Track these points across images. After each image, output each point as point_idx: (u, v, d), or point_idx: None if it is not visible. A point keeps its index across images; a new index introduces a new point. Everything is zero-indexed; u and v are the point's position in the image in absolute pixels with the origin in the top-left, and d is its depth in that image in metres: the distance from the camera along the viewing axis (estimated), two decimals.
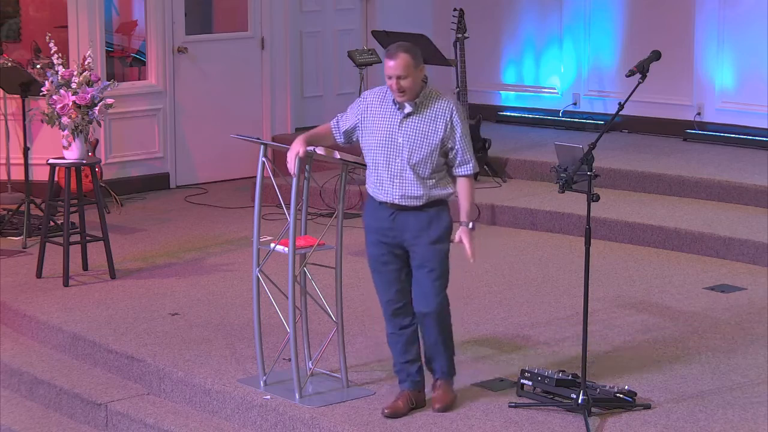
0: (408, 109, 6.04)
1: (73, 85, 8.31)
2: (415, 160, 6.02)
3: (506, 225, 9.96)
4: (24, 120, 9.83)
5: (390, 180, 6.06)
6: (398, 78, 5.95)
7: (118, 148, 11.10)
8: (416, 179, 6.03)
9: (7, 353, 7.69)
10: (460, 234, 6.09)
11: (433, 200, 6.06)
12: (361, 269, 7.33)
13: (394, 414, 6.14)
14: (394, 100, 6.05)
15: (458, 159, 6.08)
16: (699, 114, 11.48)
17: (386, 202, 6.09)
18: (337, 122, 6.25)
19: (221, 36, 11.89)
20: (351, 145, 6.36)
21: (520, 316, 7.70)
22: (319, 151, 6.23)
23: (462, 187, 6.12)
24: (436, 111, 6.03)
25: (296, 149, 6.15)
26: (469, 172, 6.11)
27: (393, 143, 6.05)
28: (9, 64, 10.24)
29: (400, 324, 6.22)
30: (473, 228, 6.12)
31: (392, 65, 5.96)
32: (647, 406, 6.19)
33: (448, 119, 6.02)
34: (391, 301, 6.20)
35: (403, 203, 6.05)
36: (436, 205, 6.08)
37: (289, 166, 6.18)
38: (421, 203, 6.05)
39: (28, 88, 9.73)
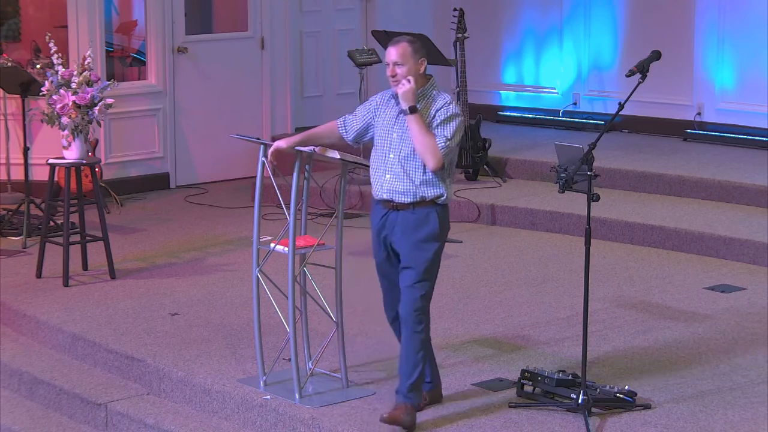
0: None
1: (73, 85, 8.31)
2: (404, 154, 5.98)
3: (506, 225, 9.96)
4: (24, 120, 9.83)
5: (382, 175, 6.04)
6: (395, 64, 5.97)
7: (118, 148, 11.10)
8: (404, 175, 5.98)
9: (7, 353, 7.69)
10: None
11: (422, 200, 5.97)
12: (361, 269, 7.31)
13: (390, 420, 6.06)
14: (395, 96, 6.04)
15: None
16: (699, 114, 11.47)
17: (380, 200, 6.08)
18: (344, 122, 6.24)
19: (221, 36, 11.89)
20: (358, 145, 6.39)
21: (520, 316, 7.69)
22: (318, 150, 6.23)
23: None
24: (430, 105, 5.99)
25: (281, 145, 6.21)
26: (439, 141, 5.90)
27: (388, 138, 6.05)
28: (9, 64, 10.23)
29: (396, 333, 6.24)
30: (408, 112, 5.93)
31: (391, 51, 5.99)
32: (647, 406, 6.18)
33: (438, 109, 5.96)
34: (386, 306, 6.20)
35: (392, 198, 6.01)
36: (426, 206, 5.98)
37: (279, 144, 6.22)
38: (408, 200, 5.98)
39: (28, 88, 9.73)
